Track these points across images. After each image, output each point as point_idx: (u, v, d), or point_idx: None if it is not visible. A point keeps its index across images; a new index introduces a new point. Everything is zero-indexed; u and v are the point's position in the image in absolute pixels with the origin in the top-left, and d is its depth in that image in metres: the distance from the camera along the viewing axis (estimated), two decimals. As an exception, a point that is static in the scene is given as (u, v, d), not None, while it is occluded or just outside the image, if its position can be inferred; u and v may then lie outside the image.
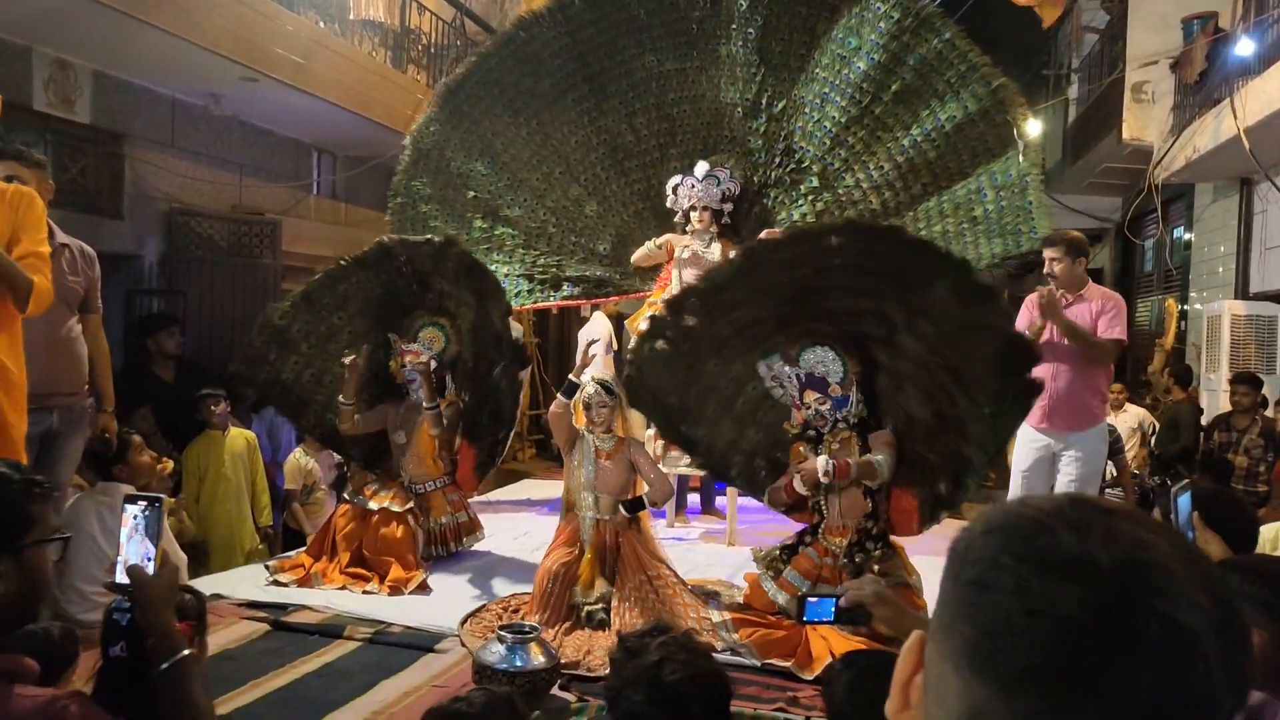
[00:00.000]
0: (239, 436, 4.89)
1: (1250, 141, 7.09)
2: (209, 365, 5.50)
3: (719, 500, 5.57)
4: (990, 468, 3.52)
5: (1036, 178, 4.76)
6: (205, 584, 3.92)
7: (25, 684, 1.35)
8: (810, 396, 3.61)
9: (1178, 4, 8.88)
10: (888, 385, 3.68)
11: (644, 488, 3.84)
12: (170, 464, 4.28)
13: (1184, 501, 2.11)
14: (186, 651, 1.50)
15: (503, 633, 2.84)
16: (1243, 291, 8.67)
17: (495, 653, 2.79)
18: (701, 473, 5.29)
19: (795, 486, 3.64)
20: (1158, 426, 6.92)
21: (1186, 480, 2.19)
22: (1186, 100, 8.67)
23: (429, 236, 4.51)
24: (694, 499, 5.87)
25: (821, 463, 3.47)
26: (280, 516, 5.22)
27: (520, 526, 5.37)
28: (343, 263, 4.42)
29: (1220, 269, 9.28)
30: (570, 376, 3.81)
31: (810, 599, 1.82)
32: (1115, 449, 5.15)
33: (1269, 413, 6.34)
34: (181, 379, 5.32)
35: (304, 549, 4.37)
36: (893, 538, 3.68)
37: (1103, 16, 10.86)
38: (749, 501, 5.68)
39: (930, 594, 3.63)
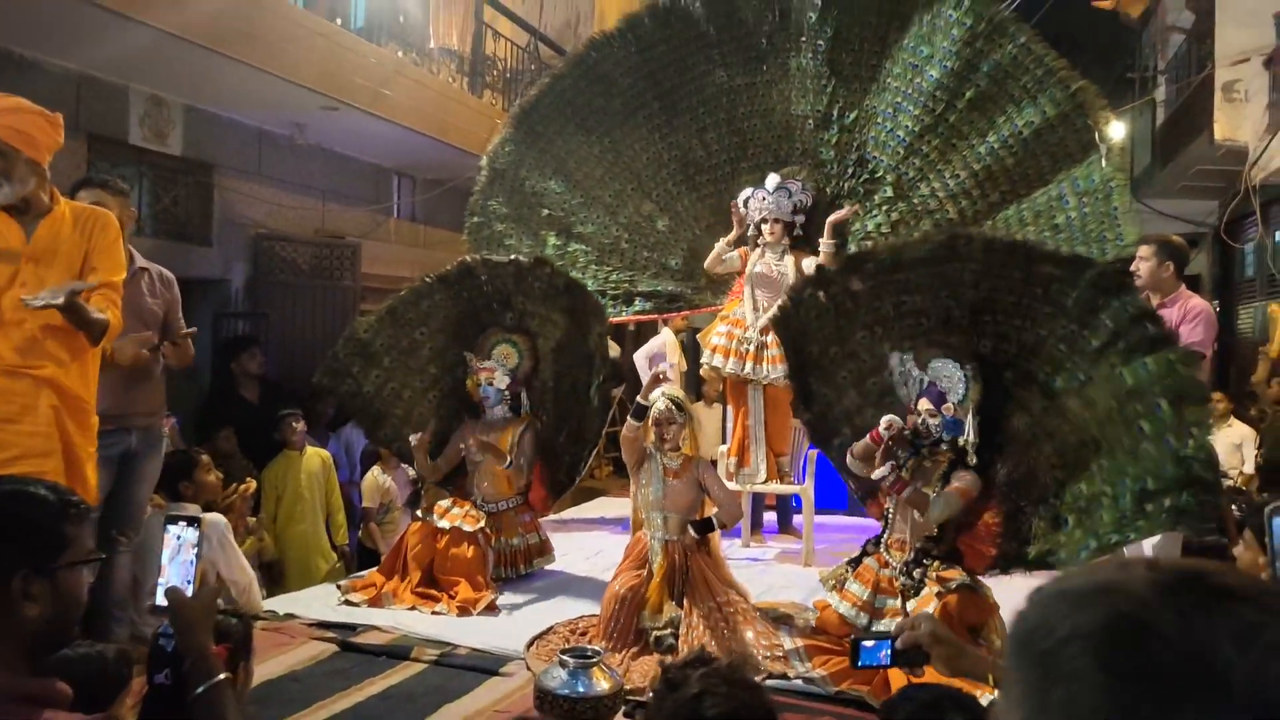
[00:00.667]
0: (315, 456, 5.00)
1: (1360, 139, 6.67)
2: (291, 385, 5.65)
3: (796, 519, 5.44)
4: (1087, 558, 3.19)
5: (1121, 182, 4.53)
6: (280, 603, 3.99)
7: (57, 709, 1.32)
8: (923, 405, 3.47)
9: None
10: (1025, 433, 3.42)
11: (712, 508, 3.78)
12: (254, 484, 4.38)
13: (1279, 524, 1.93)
14: (222, 676, 1.48)
15: (565, 657, 2.79)
16: (1357, 298, 8.14)
17: (557, 678, 2.73)
18: (777, 489, 5.21)
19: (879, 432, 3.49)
20: (1260, 442, 6.50)
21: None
22: (1284, 98, 8.22)
23: (515, 256, 4.61)
24: (770, 518, 5.76)
25: (885, 470, 3.41)
26: (356, 535, 5.31)
27: (593, 546, 5.34)
28: (427, 280, 4.56)
29: (1331, 274, 8.74)
30: (639, 398, 3.78)
31: (864, 643, 1.73)
32: None
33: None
34: (265, 399, 5.48)
35: (376, 568, 4.42)
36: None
37: (1188, 16, 10.40)
38: (827, 520, 5.59)
39: (1000, 598, 3.46)
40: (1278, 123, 8.17)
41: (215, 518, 3.39)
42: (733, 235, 5.13)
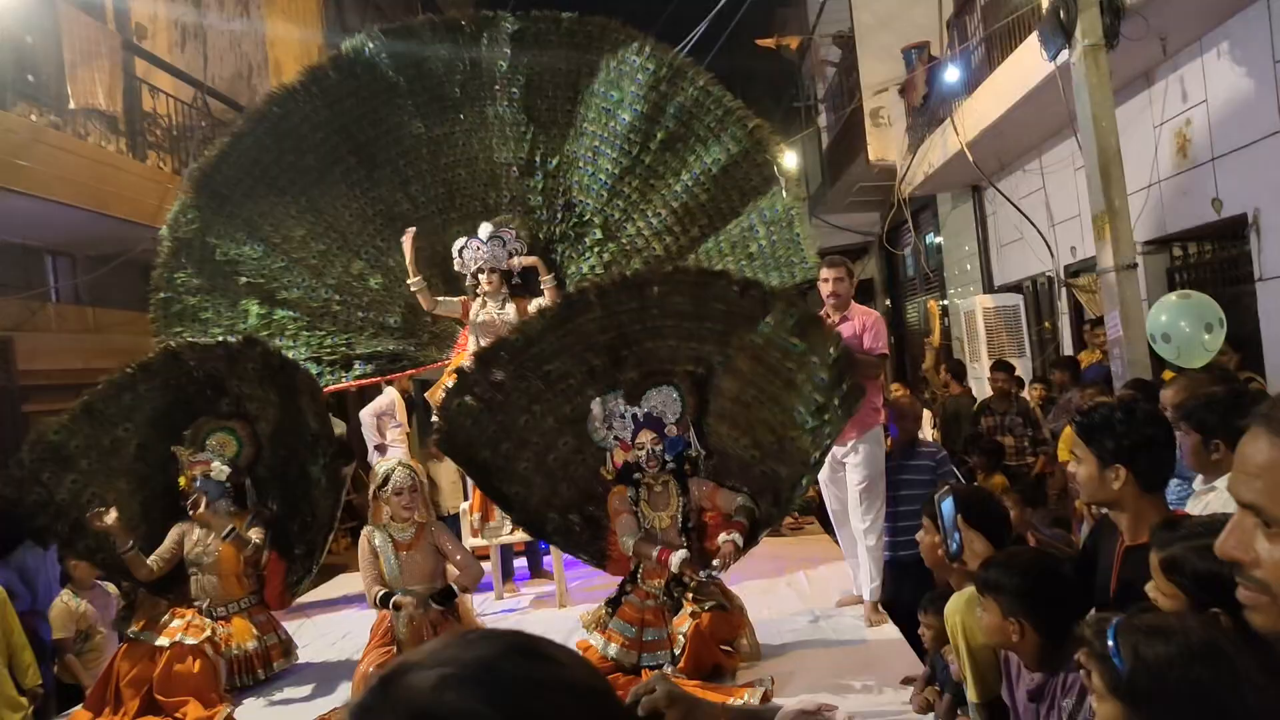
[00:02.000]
0: (-14, 593, 4.20)
1: (973, 154, 7.94)
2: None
3: (546, 560, 5.44)
4: (811, 478, 3.75)
5: (800, 210, 5.02)
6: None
7: None
8: (645, 437, 3.71)
9: (897, 36, 9.85)
10: (706, 426, 3.84)
11: (454, 570, 3.70)
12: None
13: (947, 506, 2.28)
14: None
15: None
16: (989, 285, 9.66)
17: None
18: (524, 538, 5.17)
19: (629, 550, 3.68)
20: (935, 422, 7.46)
21: (946, 487, 2.36)
22: (916, 121, 9.62)
23: (223, 339, 4.35)
24: (521, 564, 5.70)
25: (676, 559, 3.55)
26: (51, 672, 4.52)
27: (339, 629, 5.01)
28: (127, 370, 4.19)
29: (968, 266, 10.30)
30: (390, 598, 3.61)
31: None
32: (944, 471, 4.49)
33: (1024, 393, 7.01)
34: (-93, 535, 4.52)
35: (81, 705, 3.86)
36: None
37: (836, 51, 11.87)
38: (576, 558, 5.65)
39: (755, 616, 3.82)
40: (916, 143, 9.54)
41: None
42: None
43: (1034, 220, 8.17)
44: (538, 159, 5.19)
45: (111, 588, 4.68)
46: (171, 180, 6.28)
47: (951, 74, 8.25)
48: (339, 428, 4.33)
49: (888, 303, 13.31)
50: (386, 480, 3.71)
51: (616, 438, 3.79)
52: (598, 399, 3.81)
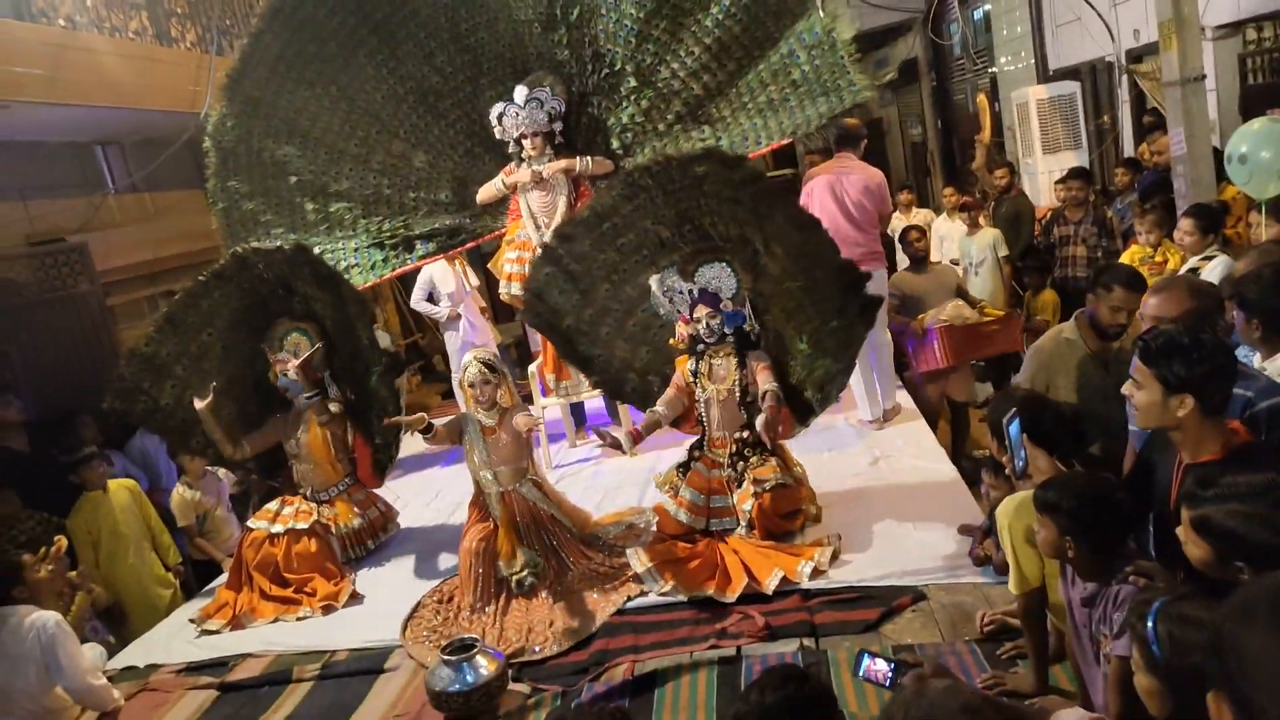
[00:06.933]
0: (120, 489, 4.67)
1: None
2: (60, 419, 5.14)
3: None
4: (846, 375, 3.78)
5: (842, 31, 4.77)
6: (136, 652, 3.87)
7: None
8: (701, 311, 3.84)
9: None
10: (760, 304, 3.95)
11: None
12: (63, 541, 4.07)
13: (1014, 429, 2.38)
14: None
15: (446, 656, 2.96)
16: (1043, 70, 9.12)
17: (444, 677, 2.91)
18: (595, 395, 5.44)
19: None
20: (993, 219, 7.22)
21: (1014, 409, 2.43)
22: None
23: (279, 244, 4.45)
24: (595, 405, 5.81)
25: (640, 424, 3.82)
26: (183, 549, 5.07)
27: (431, 487, 5.43)
28: (201, 279, 4.38)
29: (1020, 49, 9.69)
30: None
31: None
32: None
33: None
34: (37, 443, 4.99)
35: (223, 582, 4.35)
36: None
37: None
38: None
39: (816, 482, 4.02)
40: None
41: (42, 618, 3.17)
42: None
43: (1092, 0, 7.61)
44: (558, 12, 4.97)
45: (222, 472, 5.13)
46: (200, 59, 6.15)
47: None
48: (384, 340, 4.53)
49: (933, 83, 12.70)
50: (464, 373, 3.92)
51: (678, 311, 3.94)
52: (655, 276, 3.92)
